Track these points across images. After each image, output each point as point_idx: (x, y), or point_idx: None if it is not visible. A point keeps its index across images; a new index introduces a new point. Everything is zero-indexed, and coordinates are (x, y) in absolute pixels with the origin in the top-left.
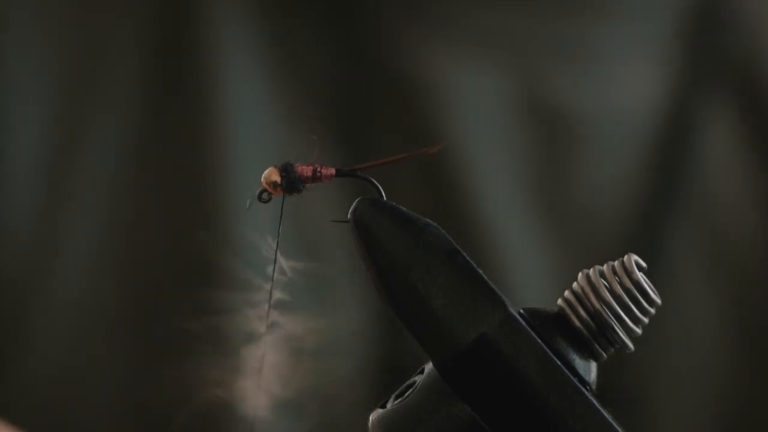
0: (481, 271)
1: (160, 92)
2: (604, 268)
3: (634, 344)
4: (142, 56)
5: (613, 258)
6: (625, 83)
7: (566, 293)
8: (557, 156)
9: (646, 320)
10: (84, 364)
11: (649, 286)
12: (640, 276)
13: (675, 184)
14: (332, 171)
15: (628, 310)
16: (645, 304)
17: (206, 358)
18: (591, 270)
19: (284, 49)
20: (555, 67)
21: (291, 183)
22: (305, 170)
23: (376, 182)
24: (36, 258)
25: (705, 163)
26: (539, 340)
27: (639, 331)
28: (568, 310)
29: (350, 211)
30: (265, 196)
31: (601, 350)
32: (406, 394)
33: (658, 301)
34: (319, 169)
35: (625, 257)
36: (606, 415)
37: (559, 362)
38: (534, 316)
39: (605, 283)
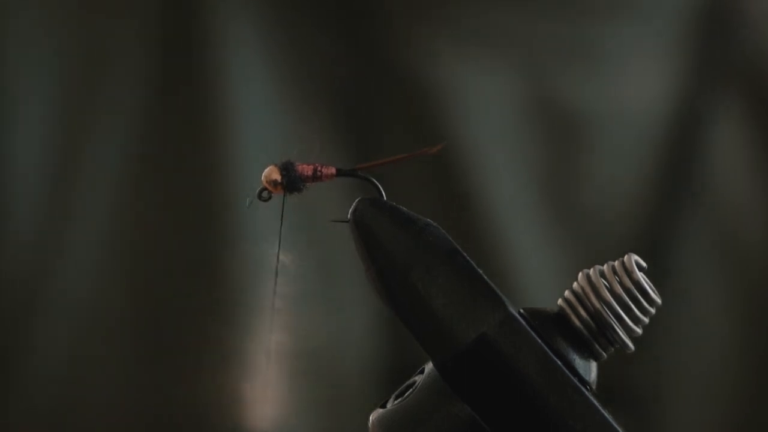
0: (481, 271)
1: (162, 91)
2: (605, 267)
3: (642, 343)
4: (144, 55)
5: None
6: (632, 83)
7: (566, 293)
8: (564, 156)
9: (646, 320)
10: (85, 364)
11: (650, 286)
12: (641, 276)
13: (683, 184)
14: (333, 170)
15: (628, 310)
16: (645, 304)
17: (207, 358)
18: (591, 270)
19: (290, 48)
20: (563, 67)
21: (291, 182)
22: (306, 169)
23: (376, 182)
24: (38, 258)
25: (713, 163)
26: (539, 340)
27: (639, 330)
28: (568, 310)
29: (350, 211)
30: (265, 194)
31: (601, 350)
32: (406, 394)
33: (659, 300)
34: (319, 168)
35: (626, 257)
36: (606, 415)
37: (559, 362)
38: (534, 316)
39: (605, 282)
